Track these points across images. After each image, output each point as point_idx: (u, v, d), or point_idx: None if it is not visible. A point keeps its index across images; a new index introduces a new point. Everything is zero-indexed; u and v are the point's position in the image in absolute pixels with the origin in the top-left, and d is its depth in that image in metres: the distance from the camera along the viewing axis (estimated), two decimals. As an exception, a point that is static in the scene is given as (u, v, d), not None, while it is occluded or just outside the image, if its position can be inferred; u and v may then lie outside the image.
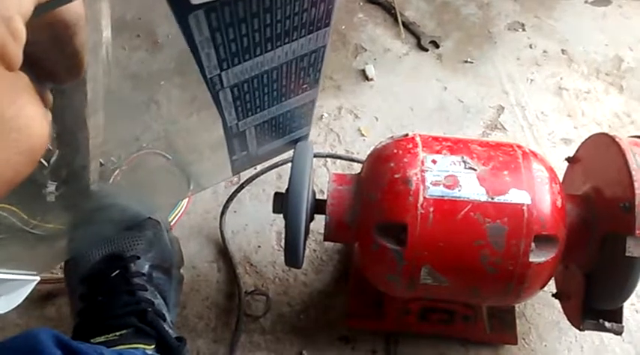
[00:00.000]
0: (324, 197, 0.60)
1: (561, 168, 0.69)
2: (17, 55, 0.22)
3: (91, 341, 0.57)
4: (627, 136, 0.61)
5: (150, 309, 0.59)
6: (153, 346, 0.58)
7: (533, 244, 0.54)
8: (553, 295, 0.66)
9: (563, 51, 1.00)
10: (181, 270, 0.70)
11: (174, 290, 0.67)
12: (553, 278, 0.67)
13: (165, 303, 0.63)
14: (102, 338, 0.57)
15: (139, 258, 0.63)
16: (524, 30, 1.02)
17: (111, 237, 0.64)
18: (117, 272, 0.61)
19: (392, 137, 0.62)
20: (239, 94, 0.50)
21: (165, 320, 0.60)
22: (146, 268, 0.63)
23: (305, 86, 0.55)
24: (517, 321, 0.72)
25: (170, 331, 0.60)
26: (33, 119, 0.23)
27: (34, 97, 0.24)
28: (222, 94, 0.48)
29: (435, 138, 0.60)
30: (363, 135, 0.88)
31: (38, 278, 0.70)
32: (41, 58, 0.25)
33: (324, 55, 0.50)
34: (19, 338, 0.45)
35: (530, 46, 1.00)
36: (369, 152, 0.63)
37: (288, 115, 0.59)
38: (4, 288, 0.67)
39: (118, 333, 0.57)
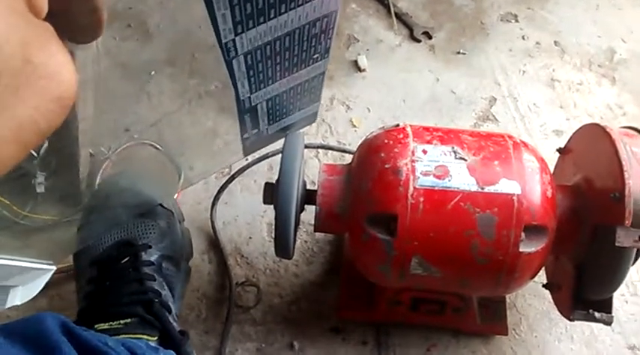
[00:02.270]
0: (316, 188, 0.60)
1: (553, 160, 0.69)
2: (44, 1, 0.22)
3: (95, 327, 0.56)
4: (618, 127, 0.61)
5: (156, 300, 0.59)
6: (156, 338, 0.58)
7: (523, 234, 0.54)
8: (543, 286, 0.66)
9: (555, 42, 1.00)
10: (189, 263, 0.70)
11: (181, 283, 0.67)
12: (544, 269, 0.67)
13: (172, 295, 0.63)
14: (106, 325, 0.57)
15: (150, 246, 0.62)
16: (517, 21, 1.02)
17: (125, 223, 0.64)
18: (127, 259, 0.61)
19: (383, 127, 0.62)
20: (252, 63, 0.50)
21: (170, 312, 0.60)
22: (156, 258, 0.62)
23: (316, 56, 0.55)
24: (508, 312, 0.72)
25: (174, 324, 0.60)
26: (62, 66, 0.23)
27: (61, 46, 0.24)
28: (235, 63, 0.49)
29: (426, 129, 0.60)
30: (355, 126, 0.88)
31: (54, 268, 0.70)
32: (62, 12, 0.25)
33: (335, 21, 0.51)
34: (26, 322, 0.44)
35: (523, 38, 1.00)
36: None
37: (298, 89, 0.60)
38: (22, 278, 0.67)
39: (122, 322, 0.57)
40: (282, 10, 0.45)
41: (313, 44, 0.53)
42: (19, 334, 0.43)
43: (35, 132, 0.23)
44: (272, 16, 0.45)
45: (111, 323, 0.57)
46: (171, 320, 0.59)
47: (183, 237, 0.68)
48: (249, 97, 0.56)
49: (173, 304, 0.62)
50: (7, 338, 0.42)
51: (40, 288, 0.69)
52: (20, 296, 0.68)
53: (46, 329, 0.43)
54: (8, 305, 0.67)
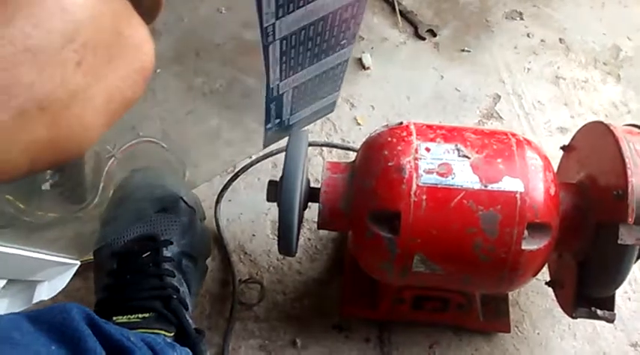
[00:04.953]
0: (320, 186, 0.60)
1: (558, 157, 0.69)
2: None
3: (113, 319, 0.57)
4: (622, 125, 0.61)
5: (175, 296, 0.59)
6: (172, 334, 0.58)
7: (526, 232, 0.54)
8: (546, 283, 0.66)
9: (560, 40, 0.99)
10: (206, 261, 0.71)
11: (197, 281, 0.67)
12: (547, 266, 0.67)
13: (189, 292, 0.64)
14: (124, 319, 0.57)
15: (171, 243, 0.63)
16: (522, 19, 1.02)
17: (148, 217, 0.65)
18: (148, 253, 0.62)
19: (386, 125, 0.62)
20: (286, 49, 0.52)
21: (187, 309, 0.61)
22: (177, 254, 0.63)
23: (343, 42, 0.57)
24: (510, 309, 0.72)
25: (190, 321, 0.60)
26: (144, 38, 0.24)
27: (141, 19, 0.25)
28: (272, 48, 0.50)
29: (429, 127, 0.60)
30: (359, 124, 0.88)
31: (78, 263, 0.70)
32: None
33: (364, 6, 0.53)
34: (52, 311, 0.45)
35: (528, 35, 1.00)
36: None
37: (323, 76, 0.61)
38: (47, 273, 0.68)
39: (140, 316, 0.58)
40: None
41: (342, 30, 0.54)
42: (46, 323, 0.43)
43: (122, 102, 0.24)
44: None
45: (129, 316, 0.58)
46: (188, 318, 0.60)
47: (203, 236, 0.69)
48: (278, 85, 0.57)
49: (190, 301, 0.63)
50: (35, 325, 0.43)
51: (66, 283, 0.70)
52: (47, 291, 0.70)
53: (72, 319, 0.44)
54: (35, 300, 0.68)
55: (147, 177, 0.70)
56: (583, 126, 0.64)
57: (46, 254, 0.65)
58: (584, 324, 0.72)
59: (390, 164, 0.56)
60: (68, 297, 0.73)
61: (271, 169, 0.83)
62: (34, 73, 0.19)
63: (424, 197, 0.54)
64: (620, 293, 0.59)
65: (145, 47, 0.24)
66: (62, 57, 0.20)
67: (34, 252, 0.63)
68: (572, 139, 0.66)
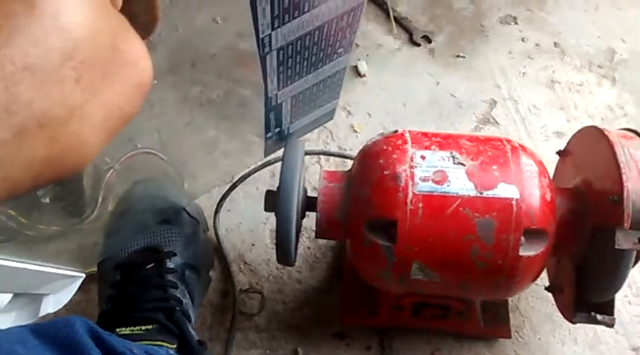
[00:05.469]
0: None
1: (554, 162, 0.69)
2: None
3: (117, 331, 0.58)
4: (617, 129, 0.61)
5: (178, 308, 0.60)
6: (175, 345, 0.58)
7: (522, 238, 0.54)
8: (546, 288, 0.66)
9: (555, 44, 1.00)
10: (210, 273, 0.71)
11: (200, 292, 0.68)
12: (546, 271, 0.67)
13: (192, 304, 0.64)
14: (127, 331, 0.58)
15: (175, 254, 0.63)
16: (516, 23, 1.02)
17: (151, 229, 0.65)
18: (152, 265, 0.62)
19: (382, 133, 0.62)
20: (283, 59, 0.52)
21: (190, 320, 0.61)
22: (180, 265, 0.63)
23: (340, 50, 0.57)
24: (511, 315, 0.72)
25: (193, 333, 0.60)
26: (141, 54, 0.24)
27: (137, 35, 0.25)
28: (268, 59, 0.51)
29: (425, 134, 0.60)
30: (355, 131, 0.89)
31: (84, 275, 0.71)
32: (123, 10, 0.26)
33: (361, 14, 0.53)
34: (56, 324, 0.45)
35: (523, 40, 1.00)
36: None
37: (321, 85, 0.62)
38: (53, 286, 0.68)
39: (144, 328, 0.58)
40: (315, 4, 0.47)
41: (339, 38, 0.55)
42: (50, 336, 0.44)
43: (120, 118, 0.24)
44: (306, 9, 0.47)
45: (132, 328, 0.58)
46: (191, 329, 0.60)
47: (206, 247, 0.69)
48: (277, 94, 0.57)
49: (193, 313, 0.63)
50: (39, 339, 0.43)
51: (72, 296, 0.70)
52: (53, 304, 0.70)
53: (75, 333, 0.44)
54: (42, 313, 0.69)
55: (148, 189, 0.70)
56: (578, 131, 0.64)
57: (51, 267, 0.65)
58: (584, 329, 0.72)
59: (385, 172, 0.56)
60: (69, 310, 0.73)
61: (269, 178, 0.83)
62: (32, 91, 0.20)
63: (420, 205, 0.54)
64: (619, 298, 0.59)
65: (142, 62, 0.24)
66: (60, 74, 0.20)
67: (39, 265, 0.63)
68: (568, 144, 0.66)
